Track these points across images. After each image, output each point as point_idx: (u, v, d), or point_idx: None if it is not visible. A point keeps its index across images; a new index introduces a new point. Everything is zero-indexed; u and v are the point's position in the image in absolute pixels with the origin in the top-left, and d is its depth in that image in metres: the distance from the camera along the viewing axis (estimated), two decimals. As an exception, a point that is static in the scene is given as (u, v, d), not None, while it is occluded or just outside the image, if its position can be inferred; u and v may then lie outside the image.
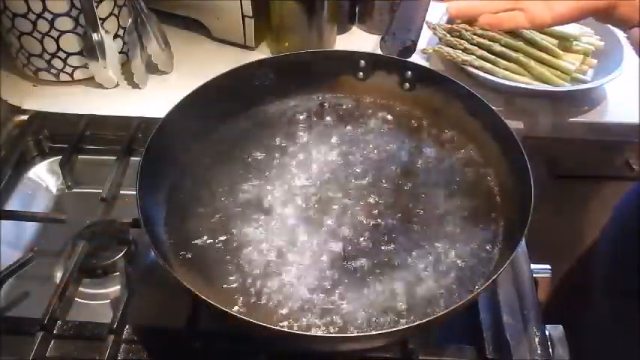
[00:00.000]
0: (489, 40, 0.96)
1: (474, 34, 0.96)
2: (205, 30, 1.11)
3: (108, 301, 0.75)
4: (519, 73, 0.94)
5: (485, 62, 0.94)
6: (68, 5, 0.91)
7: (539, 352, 0.66)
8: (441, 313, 0.58)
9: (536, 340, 0.67)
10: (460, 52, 0.94)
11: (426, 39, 1.03)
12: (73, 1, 0.91)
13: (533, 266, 0.75)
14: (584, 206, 1.13)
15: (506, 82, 0.92)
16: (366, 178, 0.76)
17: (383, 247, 0.68)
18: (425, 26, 0.93)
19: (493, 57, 0.94)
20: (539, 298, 0.73)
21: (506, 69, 0.94)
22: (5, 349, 0.66)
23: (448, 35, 0.97)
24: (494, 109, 0.76)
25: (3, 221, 0.80)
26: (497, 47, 0.95)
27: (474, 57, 0.94)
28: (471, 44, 0.96)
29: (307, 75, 0.85)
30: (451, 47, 0.96)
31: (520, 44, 0.95)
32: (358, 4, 1.12)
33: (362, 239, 0.69)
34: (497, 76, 0.93)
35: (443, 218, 0.71)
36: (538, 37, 0.95)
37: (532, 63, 0.94)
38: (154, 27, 0.99)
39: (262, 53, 1.09)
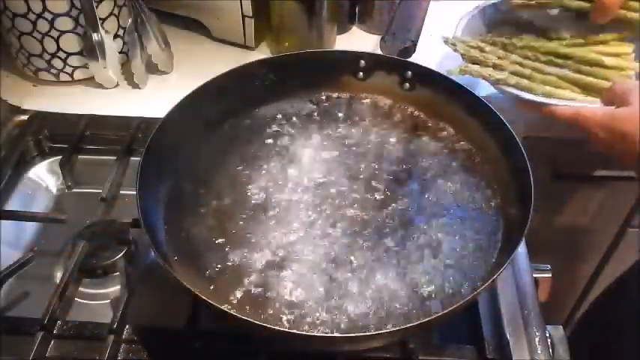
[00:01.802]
0: (522, 58, 0.87)
1: (505, 47, 0.88)
2: (205, 30, 1.11)
3: (108, 301, 0.75)
4: (560, 87, 0.84)
5: (521, 79, 0.84)
6: (68, 5, 0.91)
7: (539, 352, 0.66)
8: (441, 313, 0.58)
9: (536, 340, 0.67)
10: (490, 69, 0.85)
11: (442, 55, 0.95)
12: (73, 1, 0.91)
13: (533, 266, 0.75)
14: (584, 206, 1.13)
15: (552, 101, 0.82)
16: (366, 178, 0.76)
17: (382, 247, 0.68)
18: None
19: (528, 71, 0.84)
20: (539, 298, 0.73)
21: (544, 83, 0.84)
22: (5, 349, 0.66)
23: (472, 50, 0.87)
24: (494, 109, 0.76)
25: (3, 221, 0.80)
26: (529, 62, 0.86)
27: (508, 74, 0.84)
28: (499, 58, 0.86)
29: (307, 75, 0.85)
30: (477, 64, 0.86)
31: (559, 60, 0.86)
32: (358, 4, 1.12)
33: (361, 239, 0.69)
34: (537, 93, 0.83)
35: (442, 218, 0.71)
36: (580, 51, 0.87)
37: (576, 75, 0.85)
38: (154, 27, 0.99)
39: (262, 53, 1.09)
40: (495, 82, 0.85)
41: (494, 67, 0.86)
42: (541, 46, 0.88)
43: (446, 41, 0.89)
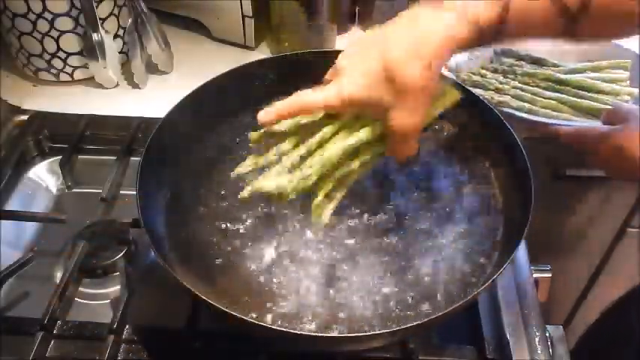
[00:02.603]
0: (523, 84, 0.92)
1: (505, 74, 0.93)
2: (205, 30, 1.11)
3: (108, 301, 0.75)
4: (560, 110, 0.90)
5: (523, 102, 0.89)
6: (68, 5, 0.91)
7: (539, 352, 0.66)
8: (441, 313, 0.58)
9: (536, 340, 0.67)
10: (493, 92, 0.90)
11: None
12: (73, 1, 0.91)
13: (533, 266, 0.75)
14: (584, 206, 1.13)
15: (552, 122, 0.87)
16: (365, 178, 0.76)
17: (381, 246, 0.68)
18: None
19: (529, 96, 0.90)
20: (539, 298, 0.73)
21: (544, 107, 0.90)
22: (5, 349, 0.66)
23: (474, 77, 0.92)
24: (494, 109, 0.76)
25: (3, 221, 0.80)
26: (529, 88, 0.91)
27: (509, 97, 0.90)
28: (501, 83, 0.91)
29: (307, 75, 0.85)
30: (481, 88, 0.91)
31: (558, 86, 0.92)
32: (358, 4, 1.12)
33: (361, 238, 0.69)
34: (538, 115, 0.88)
35: (443, 218, 0.71)
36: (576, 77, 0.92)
37: (575, 99, 0.90)
38: (154, 27, 0.99)
39: (262, 53, 1.09)
40: (498, 105, 0.88)
41: (496, 90, 0.90)
42: (540, 74, 0.93)
43: (448, 69, 0.92)
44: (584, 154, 0.81)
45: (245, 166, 0.67)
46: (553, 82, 0.92)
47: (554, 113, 0.89)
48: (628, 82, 0.93)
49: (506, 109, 0.88)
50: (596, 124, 0.85)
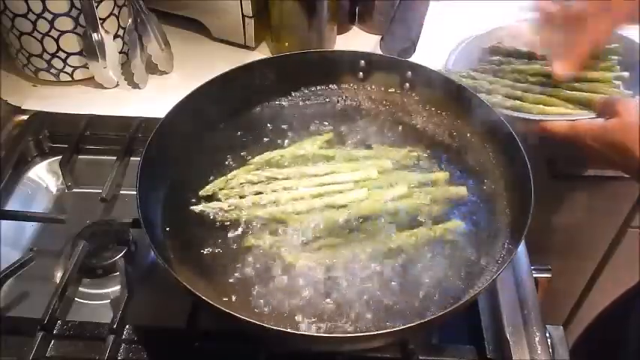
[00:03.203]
0: (513, 81, 0.92)
1: (495, 74, 0.93)
2: (205, 30, 1.11)
3: (108, 301, 0.75)
4: (552, 104, 0.88)
5: (515, 101, 0.88)
6: (68, 5, 0.91)
7: (539, 352, 0.66)
8: (441, 313, 0.58)
9: (536, 340, 0.67)
10: (484, 94, 0.88)
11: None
12: (73, 1, 0.91)
13: (533, 266, 0.75)
14: (584, 206, 1.13)
15: (546, 118, 0.85)
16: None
17: (383, 246, 0.68)
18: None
19: (519, 93, 0.89)
20: (539, 298, 0.73)
21: (536, 102, 0.88)
22: (5, 349, 0.66)
23: (464, 80, 0.91)
24: (493, 109, 0.76)
25: (3, 221, 0.80)
26: (520, 85, 0.90)
27: (501, 97, 0.89)
28: (491, 84, 0.91)
29: (307, 75, 0.85)
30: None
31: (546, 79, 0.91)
32: (358, 4, 1.12)
33: (361, 236, 0.69)
34: (532, 113, 0.87)
35: (442, 218, 0.71)
36: None
37: (566, 91, 0.89)
38: (154, 27, 0.99)
39: (262, 53, 1.09)
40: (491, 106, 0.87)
41: (488, 92, 0.89)
42: (529, 69, 0.92)
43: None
44: (584, 151, 0.80)
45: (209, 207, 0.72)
46: (543, 76, 0.91)
47: (548, 108, 0.88)
48: (618, 67, 0.92)
49: (500, 111, 0.87)
50: (590, 116, 0.84)
